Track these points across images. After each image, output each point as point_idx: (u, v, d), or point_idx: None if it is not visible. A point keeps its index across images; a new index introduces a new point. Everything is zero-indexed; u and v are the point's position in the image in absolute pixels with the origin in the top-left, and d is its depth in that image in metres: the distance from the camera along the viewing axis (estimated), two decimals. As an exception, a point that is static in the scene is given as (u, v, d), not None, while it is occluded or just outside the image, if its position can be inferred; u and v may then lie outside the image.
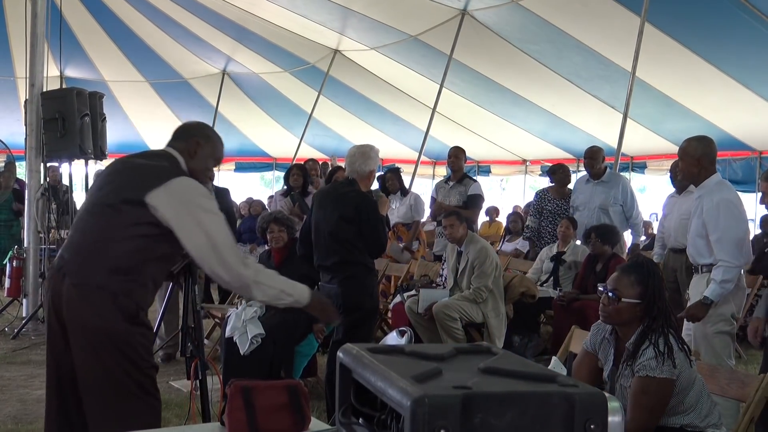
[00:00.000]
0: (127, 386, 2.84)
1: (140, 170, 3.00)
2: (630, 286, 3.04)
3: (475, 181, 8.12)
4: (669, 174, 6.72)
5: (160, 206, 2.83)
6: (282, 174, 16.83)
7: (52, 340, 2.97)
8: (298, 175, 8.37)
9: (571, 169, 12.94)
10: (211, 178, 3.30)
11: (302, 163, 9.34)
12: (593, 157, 7.24)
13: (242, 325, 5.14)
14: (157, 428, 2.73)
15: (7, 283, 8.53)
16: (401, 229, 8.35)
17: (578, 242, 7.18)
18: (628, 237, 7.43)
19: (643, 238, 8.27)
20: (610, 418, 1.30)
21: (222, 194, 9.39)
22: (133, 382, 2.85)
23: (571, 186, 7.89)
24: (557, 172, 7.97)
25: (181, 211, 2.86)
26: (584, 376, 3.21)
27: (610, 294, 3.06)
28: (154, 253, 2.90)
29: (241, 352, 5.04)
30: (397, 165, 10.31)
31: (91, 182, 10.44)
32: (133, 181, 2.93)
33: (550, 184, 8.05)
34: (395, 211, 8.33)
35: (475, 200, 7.80)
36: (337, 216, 4.69)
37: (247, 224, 10.02)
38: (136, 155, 3.23)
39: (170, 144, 3.14)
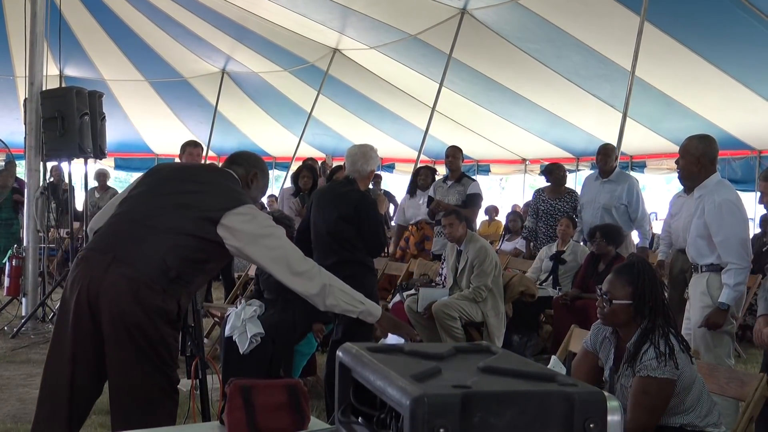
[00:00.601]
0: (155, 383, 2.85)
1: (220, 188, 3.03)
2: (621, 288, 3.06)
3: (474, 180, 8.12)
4: (678, 173, 6.66)
5: (233, 229, 2.87)
6: (281, 173, 16.93)
7: (77, 324, 2.82)
8: (308, 177, 8.43)
9: (569, 168, 13.05)
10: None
11: (311, 164, 9.36)
12: (607, 154, 7.13)
13: (242, 324, 5.14)
14: (166, 426, 2.74)
15: (6, 282, 8.52)
16: (426, 227, 8.28)
17: (578, 241, 7.19)
18: (635, 238, 7.39)
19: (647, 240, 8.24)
20: (609, 418, 1.29)
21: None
22: (159, 381, 2.86)
23: (568, 185, 7.90)
24: (553, 172, 7.97)
25: (253, 236, 2.90)
26: (583, 375, 3.21)
27: (603, 296, 3.09)
28: (206, 267, 2.98)
29: (241, 351, 5.04)
30: (403, 166, 10.25)
31: (90, 181, 10.54)
32: (213, 197, 2.96)
33: (547, 184, 8.06)
34: (422, 206, 8.21)
35: (474, 199, 7.80)
36: (337, 215, 4.69)
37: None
38: (205, 167, 3.32)
39: (230, 167, 3.20)
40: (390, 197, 10.90)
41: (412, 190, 8.64)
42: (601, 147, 7.31)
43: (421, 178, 8.54)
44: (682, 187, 5.75)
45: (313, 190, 8.20)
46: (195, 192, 3.00)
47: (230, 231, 2.86)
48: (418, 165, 10.31)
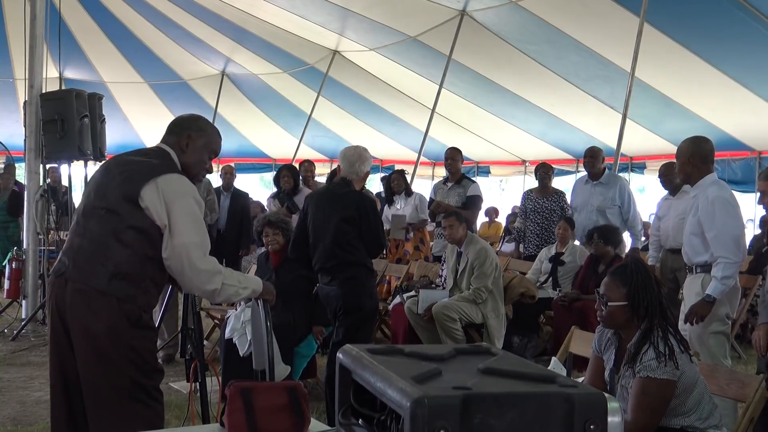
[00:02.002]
0: (131, 390, 2.84)
1: (131, 169, 2.96)
2: (616, 289, 3.08)
3: (474, 181, 8.15)
4: (659, 177, 6.76)
5: (151, 205, 2.82)
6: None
7: (56, 343, 2.95)
8: (288, 176, 8.47)
9: (569, 170, 13.05)
10: (209, 171, 3.26)
11: (290, 164, 9.42)
12: (594, 157, 7.30)
13: (241, 326, 5.13)
14: (156, 430, 2.74)
15: (6, 284, 8.54)
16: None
17: (576, 243, 7.21)
18: (627, 239, 7.45)
19: (643, 239, 8.30)
20: (609, 419, 1.29)
21: (242, 197, 9.53)
22: (137, 386, 2.85)
23: (554, 185, 8.01)
24: (538, 171, 8.11)
25: (168, 208, 2.83)
26: (594, 379, 3.22)
27: (601, 298, 3.11)
28: (153, 256, 2.87)
29: (241, 354, 5.04)
30: (403, 167, 10.29)
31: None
32: (125, 181, 2.90)
33: (536, 185, 8.19)
34: (400, 211, 8.36)
35: (474, 201, 7.83)
36: (338, 218, 4.70)
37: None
38: (128, 153, 3.17)
39: (163, 139, 3.11)
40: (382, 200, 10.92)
41: (389, 199, 8.72)
42: (588, 150, 7.46)
43: (395, 183, 8.65)
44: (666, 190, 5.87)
45: (294, 189, 8.25)
46: (112, 184, 2.95)
47: (148, 207, 2.82)
48: (415, 172, 10.33)
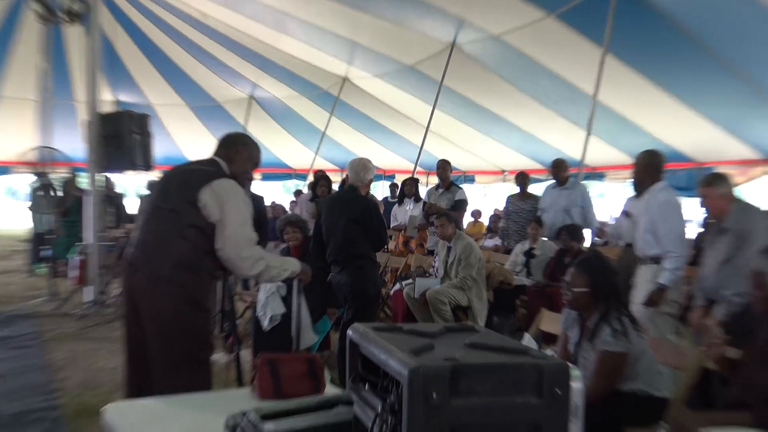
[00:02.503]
0: (188, 361, 2.87)
1: (190, 176, 3.01)
2: (579, 278, 3.10)
3: (461, 188, 8.15)
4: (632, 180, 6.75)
5: (207, 204, 2.86)
6: (300, 182, 16.88)
7: (128, 320, 2.99)
8: (326, 186, 8.51)
9: (541, 178, 13.03)
10: (251, 179, 3.27)
11: (326, 174, 9.42)
12: (558, 166, 7.38)
13: (261, 308, 5.13)
14: (205, 391, 2.76)
15: (74, 273, 8.57)
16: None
17: (545, 239, 7.23)
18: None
19: (597, 239, 8.36)
20: (573, 385, 1.31)
21: (257, 200, 9.50)
22: (193, 358, 2.88)
23: (530, 190, 8.08)
24: (518, 179, 8.20)
25: (221, 206, 2.87)
26: (563, 353, 3.25)
27: (567, 285, 3.13)
28: (209, 249, 2.89)
29: (263, 329, 5.05)
30: (408, 176, 10.23)
31: (142, 190, 10.54)
32: (187, 185, 2.94)
33: (517, 191, 8.22)
34: (409, 212, 8.34)
35: (461, 204, 7.83)
36: (346, 218, 4.72)
37: (271, 224, 10.07)
38: (186, 164, 3.22)
39: (215, 152, 3.16)
40: (388, 203, 10.94)
41: (400, 200, 8.72)
42: (554, 162, 7.51)
43: (408, 188, 8.66)
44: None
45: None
46: (175, 187, 2.99)
47: (205, 205, 2.85)
48: (406, 177, 10.29)
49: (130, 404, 2.45)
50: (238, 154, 3.13)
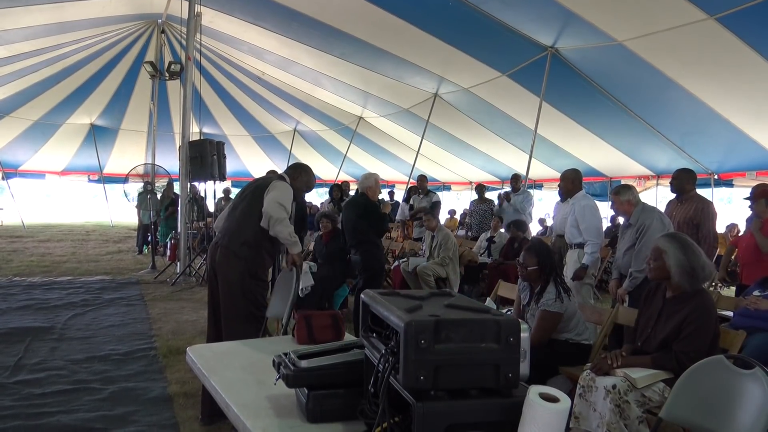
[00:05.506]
0: (248, 317, 2.82)
1: (264, 179, 3.05)
2: (530, 258, 3.05)
3: (436, 193, 8.28)
4: (558, 190, 6.71)
5: (268, 192, 2.87)
6: (328, 189, 16.87)
7: (210, 285, 2.95)
8: (338, 191, 8.55)
9: (497, 188, 12.95)
10: (304, 195, 3.35)
11: (339, 184, 9.42)
12: (516, 180, 7.53)
13: (303, 275, 5.09)
14: (258, 338, 2.72)
15: (168, 253, 8.57)
16: (410, 223, 8.31)
17: (502, 230, 7.18)
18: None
19: (540, 228, 8.35)
20: (522, 335, 1.28)
21: (302, 201, 9.45)
22: (252, 315, 2.84)
23: (487, 196, 8.21)
24: (477, 188, 8.31)
25: (272, 190, 2.88)
26: (517, 312, 3.21)
27: (521, 264, 3.07)
28: (268, 234, 2.87)
29: (300, 295, 5.00)
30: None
31: (217, 195, 10.56)
32: (259, 186, 2.97)
33: (476, 196, 8.31)
34: (419, 203, 8.20)
35: (436, 205, 7.99)
36: (355, 215, 4.70)
37: (309, 219, 10.06)
38: (265, 175, 3.25)
39: (285, 170, 3.20)
40: (394, 205, 10.85)
41: (407, 199, 8.72)
42: (513, 176, 7.64)
43: (413, 192, 8.65)
44: (559, 198, 5.78)
45: (341, 200, 8.24)
46: (253, 188, 3.00)
47: (267, 194, 2.85)
48: (409, 186, 10.29)
49: (205, 346, 2.39)
50: (300, 177, 3.16)
